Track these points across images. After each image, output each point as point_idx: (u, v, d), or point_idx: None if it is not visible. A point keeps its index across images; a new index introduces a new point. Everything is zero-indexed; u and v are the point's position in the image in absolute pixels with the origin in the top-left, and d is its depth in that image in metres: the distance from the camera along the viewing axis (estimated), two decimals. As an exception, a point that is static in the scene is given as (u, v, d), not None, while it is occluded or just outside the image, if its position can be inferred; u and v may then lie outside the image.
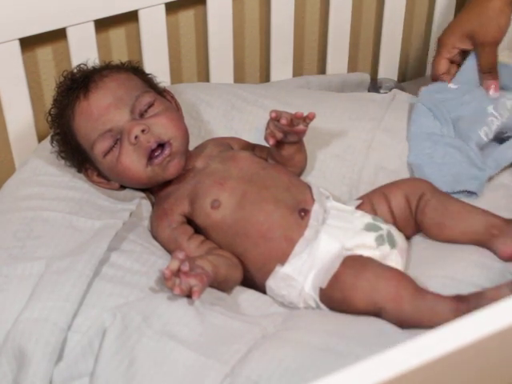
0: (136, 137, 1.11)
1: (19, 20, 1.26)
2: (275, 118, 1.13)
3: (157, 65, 1.43)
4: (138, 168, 1.13)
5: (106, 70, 1.19)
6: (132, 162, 1.13)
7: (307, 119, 1.14)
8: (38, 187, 1.18)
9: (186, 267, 0.96)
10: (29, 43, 1.34)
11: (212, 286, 1.03)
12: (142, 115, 1.15)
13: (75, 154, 1.19)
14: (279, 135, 1.16)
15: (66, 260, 1.03)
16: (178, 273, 0.97)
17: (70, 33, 1.33)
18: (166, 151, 1.13)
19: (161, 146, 1.13)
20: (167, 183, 1.18)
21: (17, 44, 1.28)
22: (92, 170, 1.20)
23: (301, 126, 1.15)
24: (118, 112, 1.13)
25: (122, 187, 1.20)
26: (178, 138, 1.15)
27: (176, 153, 1.14)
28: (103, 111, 1.13)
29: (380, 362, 0.61)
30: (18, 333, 0.96)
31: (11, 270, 1.03)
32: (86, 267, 1.01)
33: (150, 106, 1.15)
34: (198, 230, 1.14)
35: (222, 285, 1.05)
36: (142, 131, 1.11)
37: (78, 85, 1.16)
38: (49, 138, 1.25)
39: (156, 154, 1.13)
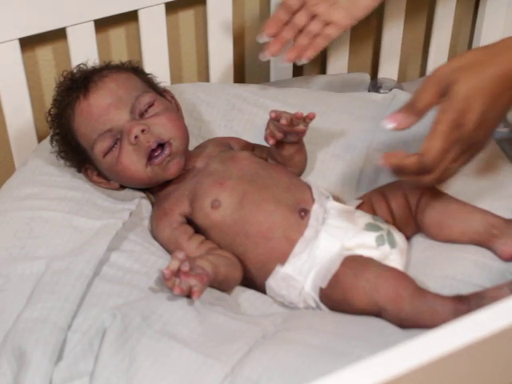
0: (136, 137, 1.11)
1: (19, 20, 1.26)
2: (275, 118, 1.13)
3: (157, 65, 1.43)
4: (137, 168, 1.13)
5: (105, 70, 1.19)
6: (132, 161, 1.13)
7: (307, 119, 1.14)
8: (38, 187, 1.18)
9: (186, 267, 0.96)
10: (29, 43, 1.34)
11: (212, 285, 1.03)
12: (141, 115, 1.14)
13: (75, 153, 1.19)
14: (279, 135, 1.16)
15: (66, 260, 1.03)
16: (177, 273, 0.97)
17: (69, 33, 1.33)
18: (166, 151, 1.13)
19: (161, 145, 1.13)
20: (167, 183, 1.18)
21: (17, 44, 1.28)
22: (92, 170, 1.20)
23: (301, 126, 1.15)
24: (118, 112, 1.13)
25: (122, 187, 1.20)
26: (177, 137, 1.15)
27: (176, 153, 1.14)
28: (103, 111, 1.13)
29: (380, 361, 0.61)
30: (18, 333, 0.96)
31: (11, 270, 1.03)
32: (86, 267, 1.01)
33: (150, 106, 1.15)
34: (198, 230, 1.14)
35: (222, 285, 1.05)
36: (142, 131, 1.11)
37: (77, 85, 1.16)
38: (49, 137, 1.25)
39: (156, 153, 1.13)
